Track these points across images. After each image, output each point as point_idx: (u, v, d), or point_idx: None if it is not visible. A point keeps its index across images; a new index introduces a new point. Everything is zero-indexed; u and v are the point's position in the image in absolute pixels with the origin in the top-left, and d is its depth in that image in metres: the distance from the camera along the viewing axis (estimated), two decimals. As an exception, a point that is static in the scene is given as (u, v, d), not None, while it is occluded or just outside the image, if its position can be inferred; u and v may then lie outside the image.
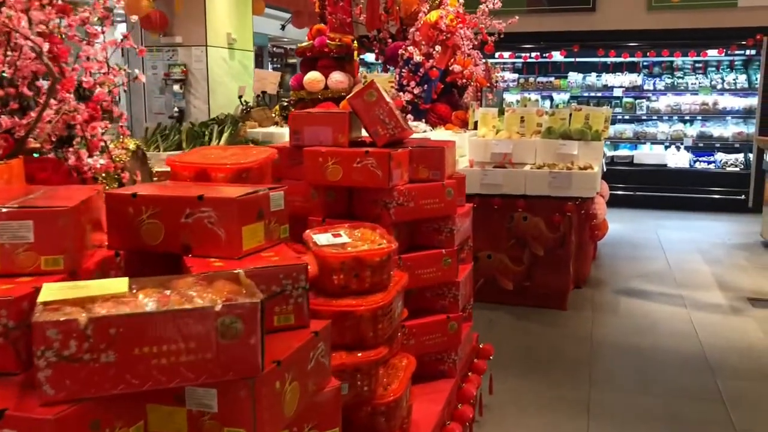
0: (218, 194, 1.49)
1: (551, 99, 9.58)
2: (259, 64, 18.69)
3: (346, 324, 1.96)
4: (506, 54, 9.45)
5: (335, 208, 2.63)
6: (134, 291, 1.26)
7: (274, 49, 18.12)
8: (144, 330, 1.09)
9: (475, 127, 5.40)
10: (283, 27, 15.82)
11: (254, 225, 1.51)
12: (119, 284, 1.24)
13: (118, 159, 2.41)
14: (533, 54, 9.35)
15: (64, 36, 2.40)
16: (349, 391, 1.91)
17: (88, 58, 2.45)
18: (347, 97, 2.68)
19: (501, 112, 5.36)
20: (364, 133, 2.75)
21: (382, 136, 2.61)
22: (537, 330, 4.36)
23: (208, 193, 1.49)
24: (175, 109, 9.34)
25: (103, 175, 2.35)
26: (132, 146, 2.58)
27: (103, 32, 2.64)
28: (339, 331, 1.97)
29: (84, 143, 2.28)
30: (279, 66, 17.49)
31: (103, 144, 2.30)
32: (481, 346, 3.24)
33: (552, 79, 9.52)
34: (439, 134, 5.19)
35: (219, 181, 1.88)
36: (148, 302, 1.19)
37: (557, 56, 9.26)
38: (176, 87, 9.40)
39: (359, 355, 1.94)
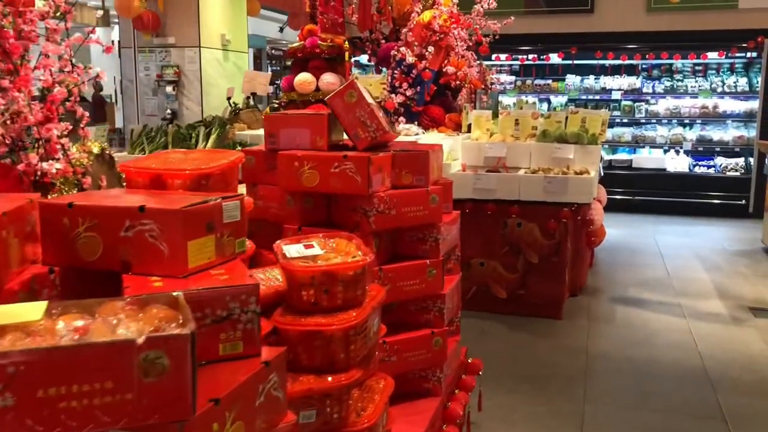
0: (161, 205, 1.33)
1: (549, 102, 9.42)
2: (257, 66, 18.65)
3: (315, 344, 1.80)
4: (503, 56, 9.31)
5: (313, 215, 2.47)
6: (54, 317, 1.10)
7: (273, 51, 18.03)
8: (49, 368, 0.93)
9: (469, 130, 5.24)
10: (281, 29, 15.68)
11: (202, 239, 1.35)
12: (35, 310, 1.08)
13: (78, 163, 2.26)
14: (530, 56, 9.21)
15: (21, 32, 2.25)
16: (317, 418, 1.76)
17: (47, 56, 2.30)
18: (326, 98, 2.53)
19: (495, 115, 5.21)
20: (346, 136, 2.59)
21: (363, 139, 2.46)
22: (530, 341, 4.19)
23: (151, 204, 1.34)
24: (168, 110, 9.22)
25: (61, 180, 2.20)
26: (96, 149, 2.42)
27: (66, 28, 2.50)
28: (308, 353, 1.81)
29: (38, 147, 2.13)
30: (278, 68, 17.39)
31: (59, 147, 2.14)
32: (469, 360, 3.08)
33: (549, 81, 9.37)
34: (432, 137, 5.04)
35: (176, 189, 1.73)
36: (63, 333, 1.03)
37: (555, 58, 9.12)
38: (169, 88, 9.28)
39: (329, 379, 1.77)
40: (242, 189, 2.82)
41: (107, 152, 2.54)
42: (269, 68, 19.13)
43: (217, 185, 1.79)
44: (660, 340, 4.19)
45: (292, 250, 1.95)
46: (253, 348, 1.27)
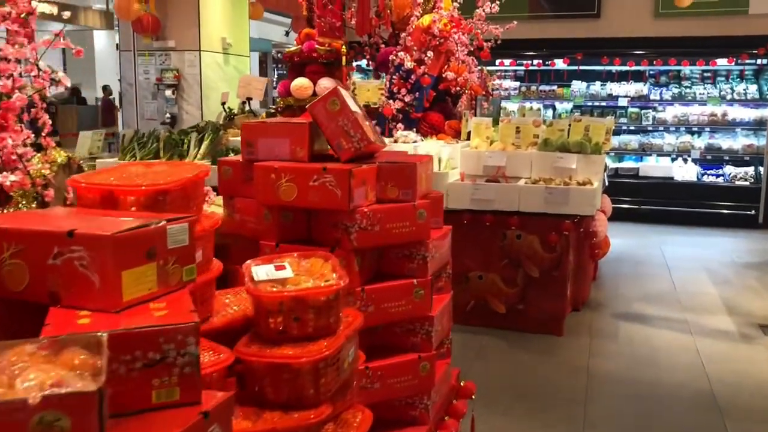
0: (93, 229, 1.18)
1: (554, 108, 9.25)
2: (263, 69, 18.55)
3: (281, 377, 1.64)
4: (507, 61, 9.14)
5: (291, 231, 2.31)
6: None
7: (279, 54, 17.97)
8: None
9: (469, 138, 5.08)
10: (287, 33, 15.57)
11: (141, 268, 1.20)
12: (-75, 356, 0.92)
13: (38, 174, 2.11)
14: (535, 61, 9.03)
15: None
16: (282, 460, 1.60)
17: (8, 60, 2.16)
18: (307, 106, 2.37)
19: (496, 122, 5.05)
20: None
21: (347, 150, 2.30)
22: (529, 359, 4.02)
23: (83, 228, 1.18)
24: (167, 115, 9.11)
25: (19, 193, 2.05)
26: (61, 159, 2.27)
27: (32, 30, 2.36)
28: (273, 386, 1.66)
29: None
30: (284, 72, 17.31)
31: (15, 157, 1.99)
32: (462, 383, 2.90)
33: (555, 87, 9.20)
34: (431, 144, 4.88)
35: (129, 207, 1.57)
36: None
37: (560, 64, 8.93)
38: (168, 92, 9.16)
39: (295, 416, 1.62)
40: (219, 201, 2.67)
41: (75, 162, 2.40)
42: (275, 72, 19.07)
43: (177, 202, 1.64)
44: (665, 360, 4.01)
45: (262, 271, 1.80)
46: (191, 395, 1.11)
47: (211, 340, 1.74)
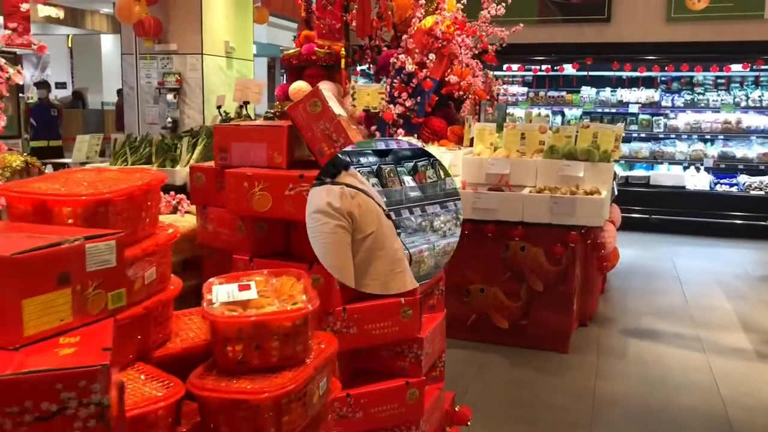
0: (-9, 250, 0.98)
1: (562, 114, 9.03)
2: (271, 75, 18.45)
3: (238, 415, 1.44)
4: (515, 66, 8.94)
5: (268, 244, 2.12)
6: None
7: (287, 60, 17.81)
8: None
9: (472, 144, 4.88)
10: (295, 38, 15.46)
11: (49, 296, 1.00)
12: None
13: (-14, 181, 1.93)
14: (544, 67, 8.82)
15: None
16: None
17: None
18: (286, 107, 2.19)
19: (500, 128, 4.84)
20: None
21: (328, 156, 2.10)
22: (532, 378, 3.79)
23: (-20, 247, 0.99)
24: (169, 119, 8.97)
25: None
26: (17, 163, 2.08)
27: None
28: (229, 425, 1.45)
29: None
30: (292, 77, 17.14)
31: (-42, 162, 1.81)
32: (456, 408, 2.69)
33: (564, 93, 8.98)
34: (432, 151, 4.66)
35: (65, 220, 1.38)
36: None
37: (569, 69, 8.71)
38: (170, 96, 9.02)
39: (253, 460, 1.42)
40: (194, 210, 2.48)
41: (35, 166, 2.21)
42: (283, 77, 18.95)
43: (121, 215, 1.45)
44: (676, 381, 3.77)
45: (223, 292, 1.60)
46: (98, 454, 0.92)
47: (167, 367, 1.55)
